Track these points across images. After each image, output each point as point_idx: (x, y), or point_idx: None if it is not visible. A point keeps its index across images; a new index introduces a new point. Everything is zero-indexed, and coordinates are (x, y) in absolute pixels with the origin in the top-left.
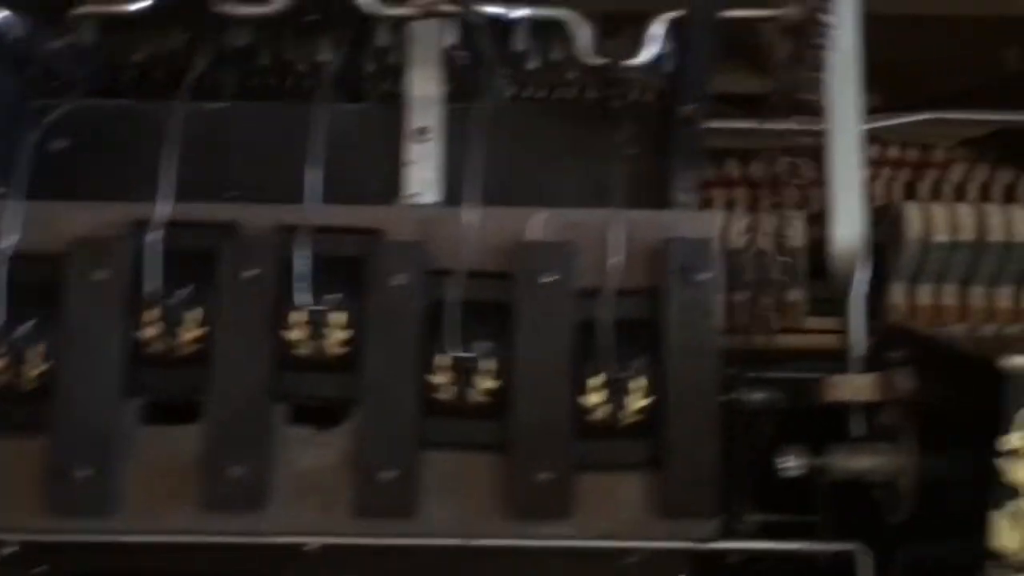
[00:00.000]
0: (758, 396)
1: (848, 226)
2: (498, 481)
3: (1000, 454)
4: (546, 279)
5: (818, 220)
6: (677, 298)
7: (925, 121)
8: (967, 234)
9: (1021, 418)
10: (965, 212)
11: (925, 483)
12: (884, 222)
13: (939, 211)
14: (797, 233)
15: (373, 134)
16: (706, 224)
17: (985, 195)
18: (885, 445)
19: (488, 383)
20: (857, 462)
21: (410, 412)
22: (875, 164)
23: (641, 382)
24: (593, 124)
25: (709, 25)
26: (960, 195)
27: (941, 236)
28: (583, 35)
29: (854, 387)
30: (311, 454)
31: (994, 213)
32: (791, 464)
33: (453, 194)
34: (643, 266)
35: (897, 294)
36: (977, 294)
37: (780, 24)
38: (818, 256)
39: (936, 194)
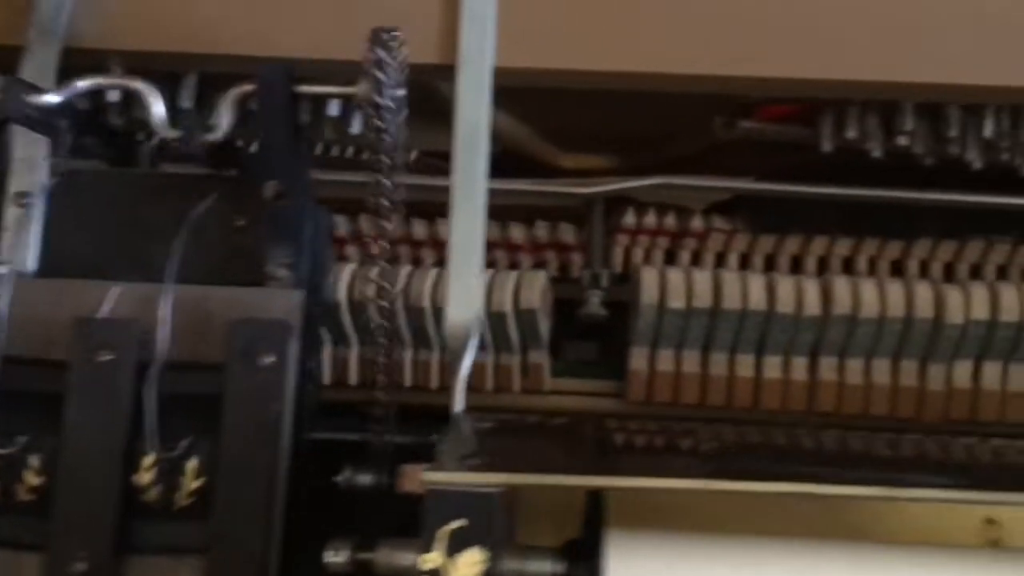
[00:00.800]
0: (364, 478)
1: (462, 307)
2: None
3: (423, 574)
4: (104, 357)
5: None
6: (238, 382)
7: (656, 185)
8: (703, 301)
9: (442, 535)
10: (701, 279)
11: None
12: (627, 286)
13: (675, 277)
14: (535, 294)
15: None
16: (287, 303)
17: (744, 262)
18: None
19: (32, 479)
20: (401, 558)
21: None
22: (633, 232)
23: (194, 464)
24: (205, 194)
25: (280, 101)
26: (720, 262)
27: (676, 302)
28: (156, 106)
29: (418, 479)
30: None
31: (730, 280)
32: (333, 558)
33: (54, 264)
34: (216, 346)
35: (638, 360)
36: (717, 362)
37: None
38: (571, 317)
39: (696, 260)
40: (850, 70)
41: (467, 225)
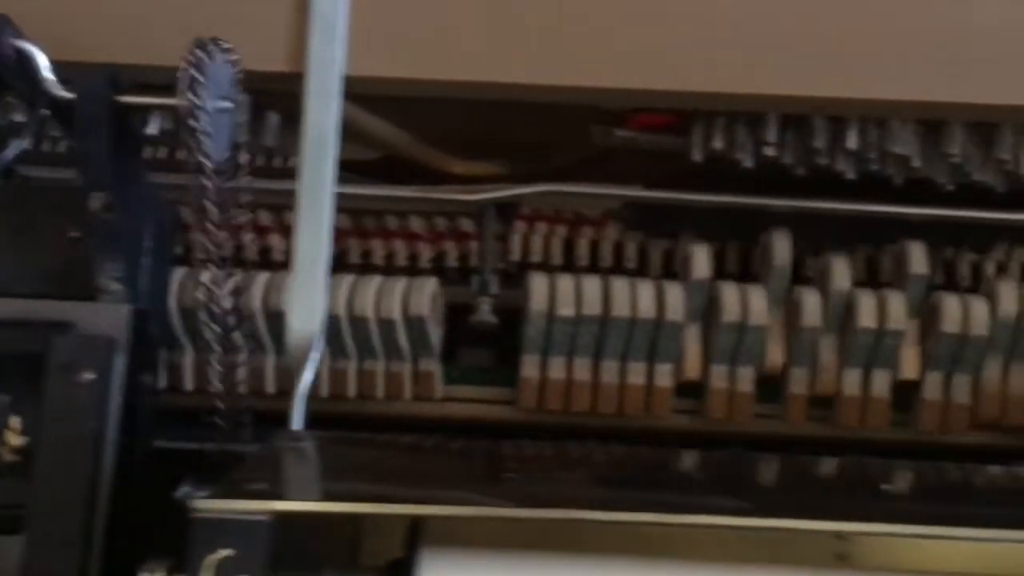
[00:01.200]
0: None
1: (305, 317)
2: None
3: None
4: None
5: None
6: (57, 397)
7: (545, 192)
8: (593, 309)
9: (209, 564)
10: (590, 286)
11: None
12: (518, 291)
13: (564, 284)
14: (424, 300)
15: None
16: (114, 318)
17: (643, 268)
18: None
19: None
20: None
21: None
22: (528, 219)
23: (16, 421)
24: (46, 203)
25: (101, 110)
26: (618, 266)
27: (566, 310)
28: None
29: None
30: None
31: (620, 288)
32: None
33: None
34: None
35: (530, 367)
36: (609, 369)
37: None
38: (466, 322)
39: (593, 265)
40: (715, 82)
41: (312, 234)
